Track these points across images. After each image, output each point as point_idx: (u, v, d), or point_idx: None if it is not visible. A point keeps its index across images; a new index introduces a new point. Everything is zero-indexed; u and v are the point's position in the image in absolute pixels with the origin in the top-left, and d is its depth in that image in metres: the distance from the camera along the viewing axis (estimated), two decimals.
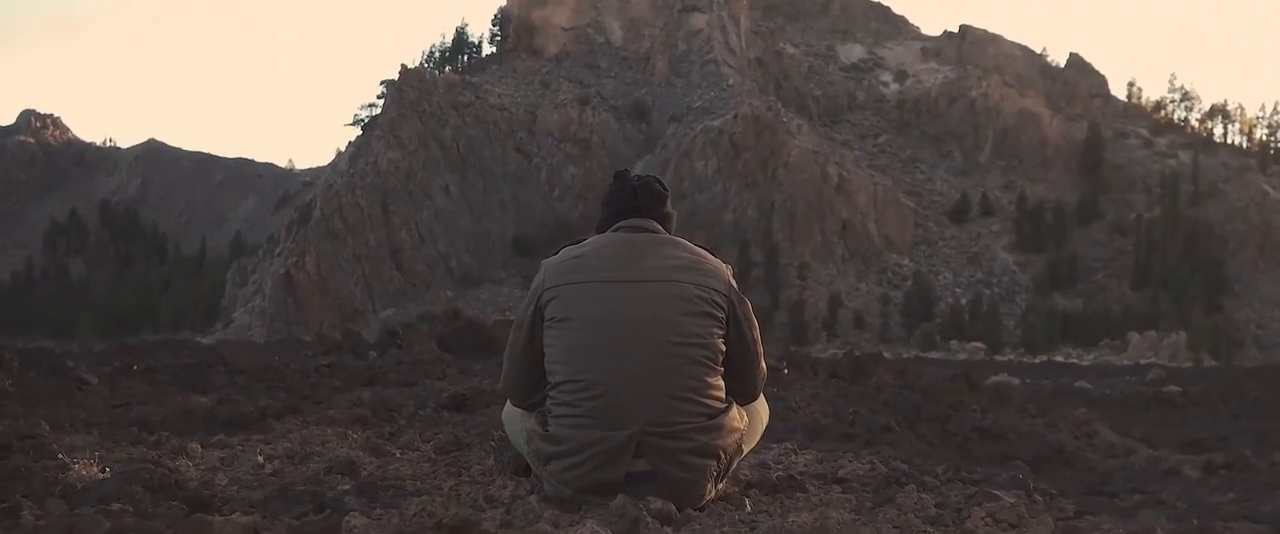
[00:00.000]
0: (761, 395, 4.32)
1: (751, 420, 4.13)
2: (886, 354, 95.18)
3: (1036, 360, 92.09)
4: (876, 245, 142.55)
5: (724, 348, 3.93)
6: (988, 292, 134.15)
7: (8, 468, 3.59)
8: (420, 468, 4.53)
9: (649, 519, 3.04)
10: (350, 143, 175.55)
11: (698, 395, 3.80)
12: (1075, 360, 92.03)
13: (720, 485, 3.94)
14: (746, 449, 4.13)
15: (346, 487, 3.78)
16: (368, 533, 2.81)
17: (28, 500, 2.91)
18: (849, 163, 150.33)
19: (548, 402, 3.92)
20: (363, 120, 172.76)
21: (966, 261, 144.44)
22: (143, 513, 2.86)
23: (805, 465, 5.05)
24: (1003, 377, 41.18)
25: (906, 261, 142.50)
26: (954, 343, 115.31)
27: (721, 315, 3.93)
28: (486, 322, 24.36)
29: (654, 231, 4.10)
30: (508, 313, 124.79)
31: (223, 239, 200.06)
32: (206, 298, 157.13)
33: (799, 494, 3.98)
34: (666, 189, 4.27)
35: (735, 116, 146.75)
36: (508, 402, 4.31)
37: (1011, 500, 3.36)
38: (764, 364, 4.18)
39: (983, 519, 3.17)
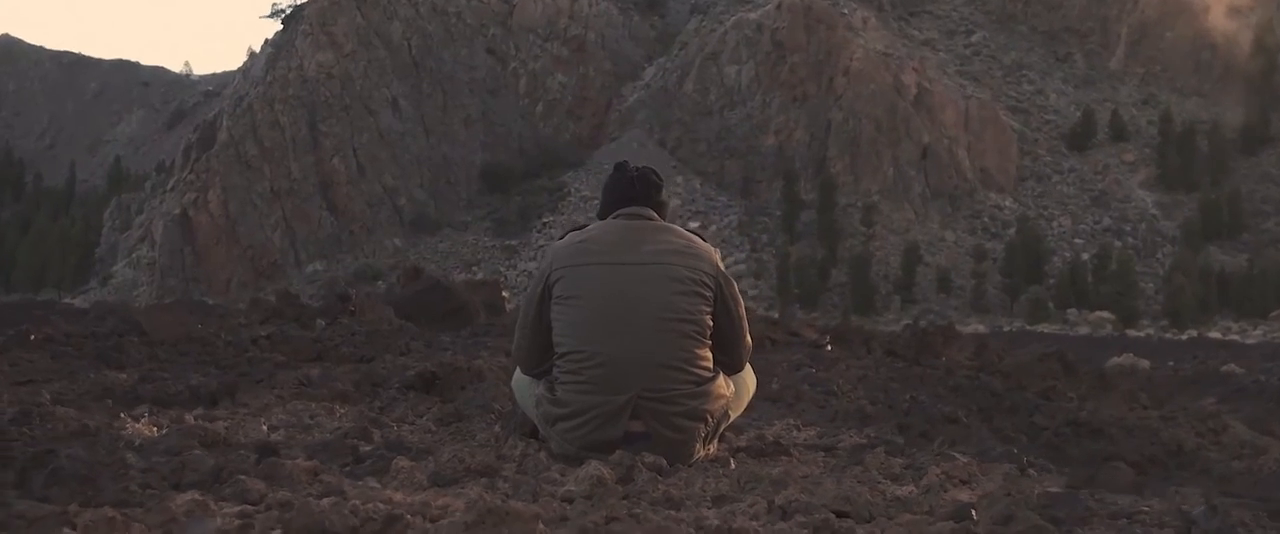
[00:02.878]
0: (748, 366, 6.35)
1: (738, 389, 6.16)
2: (980, 326, 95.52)
3: (1182, 337, 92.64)
4: (968, 181, 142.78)
5: (711, 323, 5.89)
6: (1119, 244, 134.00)
7: (71, 427, 5.40)
8: (426, 438, 6.37)
9: (643, 469, 4.84)
10: (267, 41, 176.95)
11: (687, 365, 5.73)
12: (1236, 337, 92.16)
13: (710, 446, 5.94)
14: (733, 415, 6.17)
15: (369, 447, 5.60)
16: (413, 474, 4.63)
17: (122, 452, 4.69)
18: (932, 69, 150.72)
19: (555, 370, 5.87)
20: (283, 11, 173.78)
21: (1090, 203, 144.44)
22: (220, 460, 4.64)
23: (804, 440, 6.92)
24: (1126, 358, 42.29)
25: (1009, 203, 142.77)
26: (1072, 312, 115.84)
27: (709, 294, 5.87)
28: (453, 282, 25.69)
29: (650, 219, 6.10)
30: (474, 268, 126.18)
31: (98, 168, 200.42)
32: (77, 246, 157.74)
33: (782, 457, 5.90)
34: (662, 180, 6.31)
35: (779, 7, 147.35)
36: (517, 369, 6.29)
37: (965, 460, 5.16)
38: (748, 338, 6.19)
39: (937, 476, 4.97)
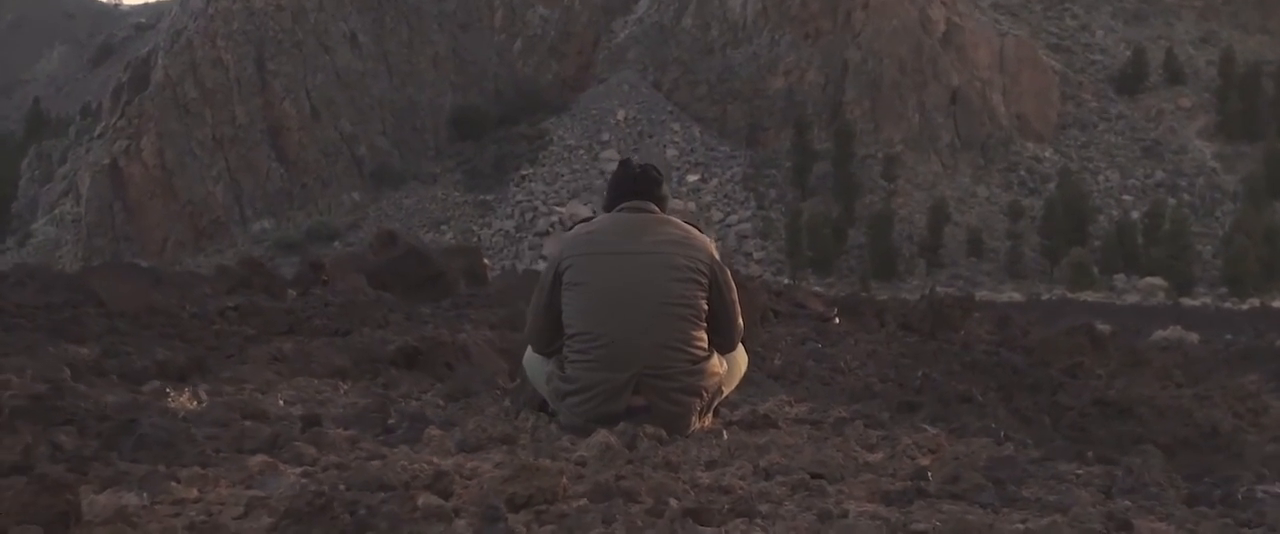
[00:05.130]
0: (740, 346, 7.89)
1: (731, 367, 7.69)
2: (1015, 294, 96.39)
3: (1243, 306, 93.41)
4: (1003, 129, 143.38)
5: (706, 308, 7.41)
6: (1173, 201, 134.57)
7: (120, 402, 6.75)
8: (440, 412, 7.73)
9: (645, 439, 6.22)
10: None
11: (684, 345, 7.25)
12: None
13: (705, 419, 7.46)
14: (727, 390, 7.74)
15: (394, 420, 6.97)
16: (444, 442, 6.02)
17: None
18: (962, 3, 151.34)
19: (564, 349, 7.40)
20: None
21: (1141, 154, 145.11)
22: (275, 429, 6.01)
23: (795, 415, 8.31)
24: (1173, 330, 43.23)
25: (1049, 154, 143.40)
26: (1120, 279, 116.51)
27: (704, 282, 7.38)
28: (430, 248, 26.58)
29: (651, 212, 7.62)
30: (443, 227, 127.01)
31: (14, 111, 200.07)
32: None
33: (771, 430, 7.29)
34: (662, 175, 7.86)
35: None
36: (529, 349, 7.86)
37: (934, 431, 6.55)
38: (741, 321, 7.71)
39: (906, 446, 6.34)
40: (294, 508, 4.19)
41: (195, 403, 7.24)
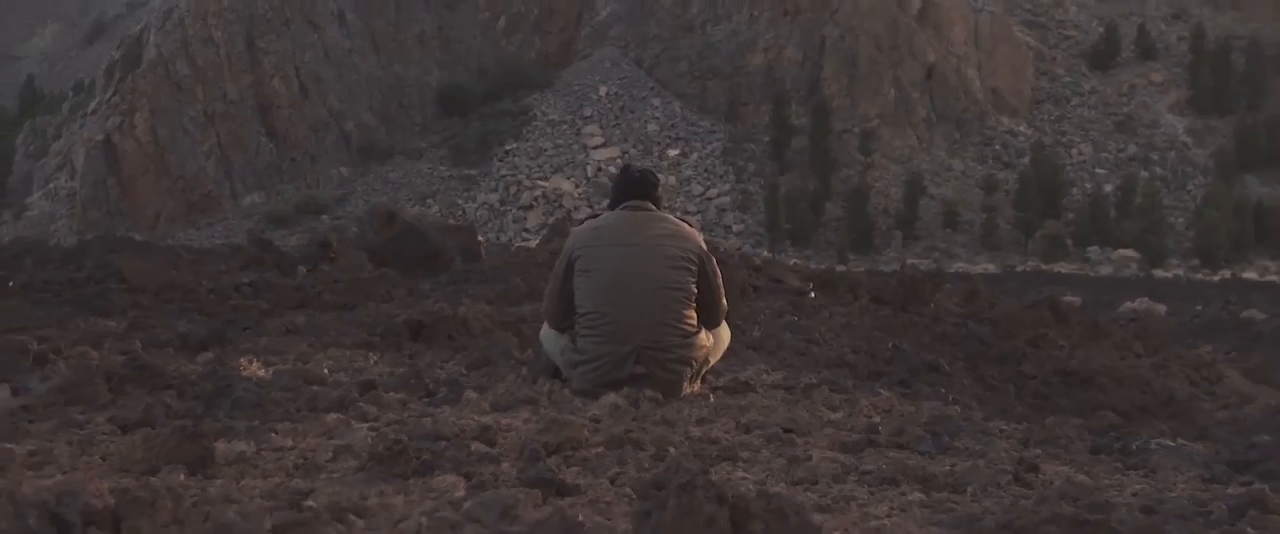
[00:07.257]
0: (724, 323, 9.23)
1: (716, 341, 9.16)
2: (990, 266, 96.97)
3: (1214, 278, 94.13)
4: (978, 104, 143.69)
5: (696, 290, 8.76)
6: (1145, 174, 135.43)
7: (202, 371, 7.90)
8: (466, 380, 8.88)
9: (645, 401, 7.40)
10: None
11: (677, 323, 8.71)
12: (1275, 278, 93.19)
13: (694, 385, 8.84)
14: (713, 360, 9.14)
15: (430, 385, 8.12)
16: (480, 404, 7.20)
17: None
18: None
19: (576, 326, 8.76)
20: None
21: (1113, 129, 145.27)
22: (340, 393, 7.16)
23: (772, 382, 9.52)
24: (1141, 302, 43.89)
25: (1023, 128, 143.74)
26: (1093, 251, 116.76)
27: (694, 268, 8.82)
28: (428, 226, 27.26)
29: (649, 210, 8.99)
30: (429, 201, 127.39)
31: (8, 87, 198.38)
32: None
33: (750, 394, 8.55)
34: (658, 179, 9.29)
35: None
36: (545, 325, 9.24)
37: (887, 394, 7.73)
38: (725, 301, 9.12)
39: (864, 407, 7.52)
40: (376, 452, 5.30)
41: (263, 371, 8.37)
